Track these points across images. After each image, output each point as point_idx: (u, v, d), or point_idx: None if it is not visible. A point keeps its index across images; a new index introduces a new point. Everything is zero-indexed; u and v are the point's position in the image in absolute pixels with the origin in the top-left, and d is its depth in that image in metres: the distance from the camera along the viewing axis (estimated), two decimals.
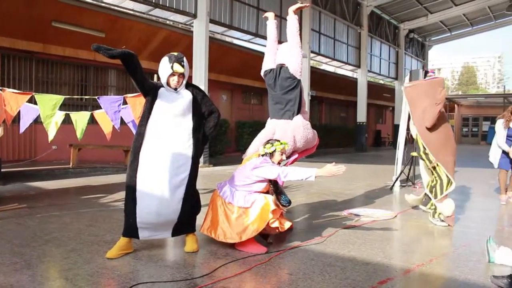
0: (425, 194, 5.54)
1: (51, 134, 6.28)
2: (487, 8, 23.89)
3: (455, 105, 37.64)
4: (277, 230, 3.96)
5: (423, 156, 5.30)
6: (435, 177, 5.23)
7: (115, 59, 3.50)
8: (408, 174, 8.70)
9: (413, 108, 5.31)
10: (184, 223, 3.80)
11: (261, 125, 5.27)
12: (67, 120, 6.73)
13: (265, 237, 4.12)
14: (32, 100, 6.13)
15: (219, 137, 15.29)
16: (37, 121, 6.70)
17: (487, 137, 34.61)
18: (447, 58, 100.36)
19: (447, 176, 5.08)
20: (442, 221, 5.11)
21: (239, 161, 4.71)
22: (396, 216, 5.59)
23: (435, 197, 5.12)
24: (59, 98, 6.12)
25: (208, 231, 3.95)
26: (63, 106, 6.41)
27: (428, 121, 5.05)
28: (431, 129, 5.11)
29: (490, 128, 34.77)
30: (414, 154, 8.56)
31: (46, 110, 6.01)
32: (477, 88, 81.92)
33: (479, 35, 32.18)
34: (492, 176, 10.60)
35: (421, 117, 5.16)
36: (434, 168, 5.19)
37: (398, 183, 8.40)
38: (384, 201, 6.84)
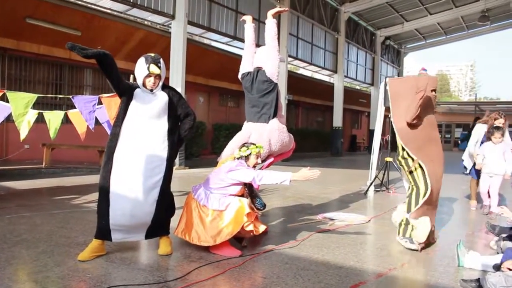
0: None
1: (23, 133, 6.14)
2: (460, 18, 24.51)
3: None
4: (251, 234, 3.96)
5: (402, 162, 4.63)
6: (412, 185, 4.56)
7: (90, 59, 3.46)
8: (382, 179, 8.82)
9: (395, 104, 4.65)
10: (158, 226, 3.77)
11: (237, 128, 5.27)
12: (40, 119, 6.59)
13: (240, 240, 4.12)
14: (4, 98, 5.99)
15: (196, 139, 15.22)
16: (9, 119, 6.55)
17: (459, 144, 35.40)
18: (422, 66, 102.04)
19: (425, 182, 4.37)
20: (412, 243, 4.25)
21: (215, 163, 4.70)
22: (369, 220, 5.66)
23: (409, 210, 4.45)
24: (32, 97, 6.00)
25: (182, 234, 3.92)
26: (37, 105, 6.28)
27: (409, 115, 4.40)
28: (412, 127, 4.47)
29: (462, 134, 35.58)
30: (389, 159, 8.69)
31: (19, 108, 5.88)
32: (450, 95, 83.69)
33: (452, 44, 32.97)
34: (463, 182, 10.84)
35: (402, 115, 4.52)
36: (411, 173, 4.53)
37: (372, 188, 8.50)
38: (358, 206, 6.92)
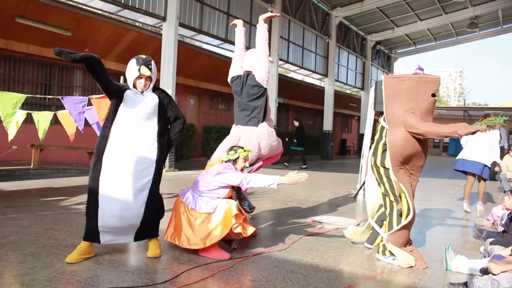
0: (370, 226, 4.43)
1: (11, 134, 6.08)
2: (449, 24, 24.74)
3: None
4: (240, 236, 3.97)
5: (381, 171, 4.10)
6: (387, 202, 4.14)
7: (78, 63, 3.44)
8: None
9: (389, 108, 4.05)
10: (147, 228, 3.76)
11: (228, 131, 5.28)
12: (29, 120, 6.54)
13: (229, 243, 4.12)
14: None
15: (186, 142, 15.18)
16: None
17: (448, 149, 35.67)
18: (412, 71, 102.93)
19: (408, 205, 3.91)
20: (394, 259, 3.95)
21: (205, 166, 4.70)
22: (359, 224, 5.68)
23: (389, 229, 4.06)
24: (20, 97, 5.95)
25: (172, 238, 3.91)
26: (25, 105, 6.24)
27: (417, 129, 3.81)
28: (409, 140, 3.91)
29: (451, 140, 35.89)
30: None
31: (7, 108, 5.83)
32: (439, 101, 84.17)
33: (442, 50, 33.28)
34: (451, 187, 10.95)
35: (399, 121, 3.94)
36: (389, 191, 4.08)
37: (361, 192, 8.53)
38: (347, 209, 6.95)
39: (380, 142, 4.16)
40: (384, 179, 4.09)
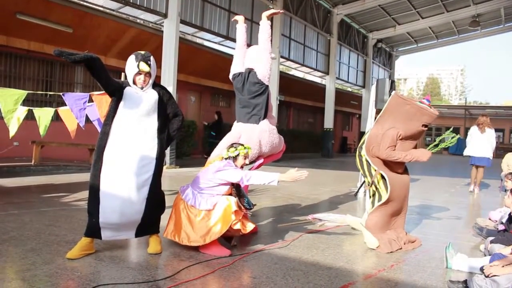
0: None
1: (13, 130, 6.08)
2: (451, 22, 24.71)
3: None
4: (240, 232, 3.97)
5: (362, 160, 4.58)
6: (373, 188, 4.53)
7: (78, 64, 3.44)
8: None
9: (384, 118, 4.45)
10: (148, 224, 3.77)
11: (229, 128, 5.27)
12: (30, 116, 6.52)
13: (229, 240, 4.13)
14: None
15: (186, 139, 15.18)
16: None
17: (449, 148, 35.61)
18: (413, 69, 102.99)
19: (386, 188, 4.33)
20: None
21: (205, 163, 4.70)
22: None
23: (369, 210, 4.54)
24: (21, 93, 5.95)
25: (172, 235, 3.92)
26: (27, 102, 6.24)
27: (385, 155, 4.31)
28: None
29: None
30: None
31: (8, 105, 5.83)
32: (440, 99, 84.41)
33: (443, 48, 33.21)
34: (451, 185, 10.96)
35: (379, 135, 4.38)
36: (371, 179, 4.49)
37: (362, 189, 8.53)
38: (348, 207, 6.95)
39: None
40: (363, 161, 4.58)
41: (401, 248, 4.34)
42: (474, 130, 9.65)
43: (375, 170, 4.41)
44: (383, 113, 4.48)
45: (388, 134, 4.32)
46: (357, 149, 4.69)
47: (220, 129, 16.04)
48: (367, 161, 4.49)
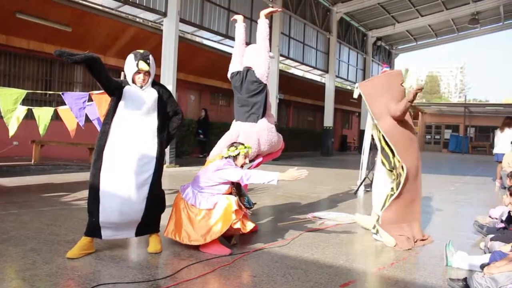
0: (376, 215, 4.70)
1: (12, 129, 6.08)
2: (450, 20, 24.68)
3: (419, 113, 38.67)
4: (240, 231, 3.98)
5: (391, 162, 4.57)
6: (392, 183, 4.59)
7: (79, 65, 3.44)
8: (372, 179, 8.83)
9: (374, 105, 4.61)
10: (148, 223, 3.77)
11: (228, 127, 5.27)
12: (29, 115, 6.53)
13: (229, 239, 4.13)
14: None
15: (186, 138, 15.18)
16: None
17: (448, 145, 35.62)
18: (413, 67, 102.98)
19: (398, 185, 4.40)
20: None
21: (205, 161, 4.70)
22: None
23: (382, 207, 4.52)
24: (21, 93, 5.95)
25: (172, 234, 3.92)
26: (26, 101, 6.24)
27: (398, 109, 4.37)
28: (399, 124, 4.48)
29: (451, 136, 35.88)
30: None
31: (7, 104, 5.82)
32: (440, 97, 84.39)
33: (443, 46, 33.18)
34: (451, 183, 10.96)
35: (384, 113, 4.50)
36: (392, 172, 4.59)
37: (362, 188, 8.54)
38: (348, 205, 6.95)
39: (381, 138, 4.68)
40: (386, 162, 4.64)
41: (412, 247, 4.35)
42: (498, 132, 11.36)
43: (399, 162, 4.43)
44: (369, 104, 4.66)
45: (387, 102, 4.50)
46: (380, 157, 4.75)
47: (207, 127, 16.00)
48: (391, 149, 4.52)
